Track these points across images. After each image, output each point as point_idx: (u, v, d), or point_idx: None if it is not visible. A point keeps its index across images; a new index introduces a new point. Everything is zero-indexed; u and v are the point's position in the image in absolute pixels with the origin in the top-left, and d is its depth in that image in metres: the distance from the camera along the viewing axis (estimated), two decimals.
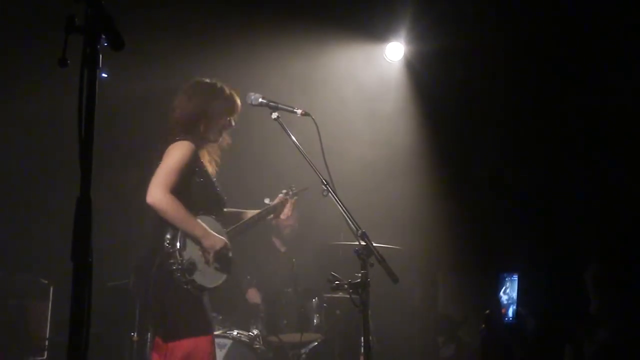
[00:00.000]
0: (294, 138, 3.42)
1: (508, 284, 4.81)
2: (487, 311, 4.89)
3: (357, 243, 3.08)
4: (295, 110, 3.49)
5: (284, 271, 5.62)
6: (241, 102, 3.79)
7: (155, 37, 5.50)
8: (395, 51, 6.49)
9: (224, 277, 3.67)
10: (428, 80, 6.52)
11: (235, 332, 4.93)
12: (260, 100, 3.53)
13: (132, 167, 5.97)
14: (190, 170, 3.59)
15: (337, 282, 3.12)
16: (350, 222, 3.11)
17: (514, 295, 4.69)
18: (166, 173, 3.47)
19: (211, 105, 3.72)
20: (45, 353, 5.45)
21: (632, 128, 5.47)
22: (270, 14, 5.70)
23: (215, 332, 4.78)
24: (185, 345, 3.43)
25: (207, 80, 3.82)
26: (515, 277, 4.80)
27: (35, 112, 5.56)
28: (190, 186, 3.59)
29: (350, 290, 3.07)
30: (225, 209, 3.89)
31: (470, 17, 5.83)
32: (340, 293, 4.68)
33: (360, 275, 3.06)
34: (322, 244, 5.82)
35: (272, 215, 4.17)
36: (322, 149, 3.37)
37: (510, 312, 4.71)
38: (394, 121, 6.49)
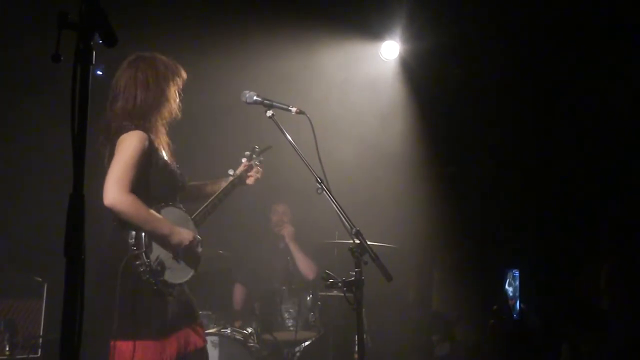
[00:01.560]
0: (288, 136, 3.41)
1: (511, 278, 4.83)
2: (495, 307, 4.89)
3: (352, 241, 3.08)
4: (289, 108, 3.48)
5: (279, 269, 5.63)
6: (235, 99, 3.66)
7: (148, 35, 5.49)
8: (390, 50, 6.49)
9: (192, 272, 3.48)
10: (423, 79, 6.53)
11: (229, 330, 4.92)
12: (254, 98, 3.52)
13: None
14: (147, 162, 3.31)
15: (331, 281, 3.12)
16: (344, 221, 3.11)
17: (517, 289, 4.72)
18: (122, 170, 3.18)
19: (167, 87, 3.48)
20: (39, 351, 5.44)
21: (633, 125, 5.48)
22: (265, 12, 5.70)
23: (209, 330, 4.78)
24: (125, 347, 3.22)
25: (148, 55, 3.54)
26: (517, 273, 4.82)
27: (28, 109, 5.55)
28: (149, 179, 3.33)
29: (345, 289, 3.07)
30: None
31: (466, 16, 5.83)
32: (335, 291, 4.70)
33: (354, 273, 3.07)
34: (316, 242, 5.82)
35: (237, 186, 3.89)
36: (316, 147, 3.36)
37: (517, 305, 4.73)
38: (389, 119, 6.50)
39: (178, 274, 3.40)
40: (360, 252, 3.05)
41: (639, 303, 4.27)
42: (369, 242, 3.08)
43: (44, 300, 5.52)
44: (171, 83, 3.52)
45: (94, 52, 1.71)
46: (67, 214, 1.66)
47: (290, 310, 5.07)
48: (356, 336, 3.18)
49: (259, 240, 6.01)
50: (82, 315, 1.66)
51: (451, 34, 5.99)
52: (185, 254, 3.43)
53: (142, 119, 3.36)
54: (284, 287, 5.19)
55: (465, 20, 5.87)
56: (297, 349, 5.18)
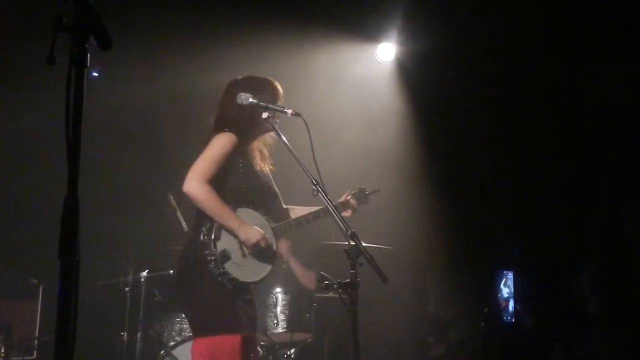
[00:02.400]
0: (284, 138, 3.43)
1: (505, 279, 4.83)
2: (486, 309, 4.90)
3: (347, 243, 3.09)
4: (285, 110, 3.49)
5: (275, 271, 5.62)
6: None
7: (141, 37, 5.50)
8: (386, 52, 6.50)
9: (263, 274, 3.62)
10: (419, 81, 6.54)
11: None
12: (250, 100, 3.53)
13: (123, 167, 5.99)
14: (231, 162, 3.57)
15: (327, 282, 3.12)
16: (340, 222, 3.12)
17: (511, 290, 4.72)
18: (204, 163, 3.47)
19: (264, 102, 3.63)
20: (35, 352, 5.43)
21: (626, 127, 5.50)
22: (262, 14, 5.70)
23: None
24: (207, 342, 3.41)
25: (240, 78, 3.81)
26: (511, 275, 4.83)
27: (22, 111, 5.55)
28: (231, 178, 3.58)
29: (340, 290, 3.07)
30: (283, 205, 3.92)
31: (461, 18, 5.85)
32: (331, 293, 4.69)
33: (350, 275, 3.07)
34: (312, 243, 5.82)
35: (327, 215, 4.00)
36: (312, 149, 3.37)
37: (510, 306, 4.73)
38: (385, 121, 6.50)
39: (244, 272, 3.52)
40: (355, 254, 3.05)
41: (625, 304, 4.28)
42: (364, 244, 3.08)
43: (40, 302, 5.52)
44: (267, 100, 3.65)
45: (89, 54, 1.72)
46: (61, 215, 1.67)
47: (286, 311, 5.07)
48: (352, 337, 3.18)
49: None
50: (77, 316, 1.66)
51: (447, 36, 6.01)
52: (255, 254, 3.56)
53: (236, 126, 3.59)
54: (279, 289, 5.18)
55: (461, 22, 5.89)
56: (293, 350, 5.18)
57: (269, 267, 3.66)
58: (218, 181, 3.50)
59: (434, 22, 5.98)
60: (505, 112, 6.25)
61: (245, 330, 3.54)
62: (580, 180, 5.79)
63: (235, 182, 3.58)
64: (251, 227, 3.54)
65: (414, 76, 6.54)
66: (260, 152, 3.79)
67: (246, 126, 3.65)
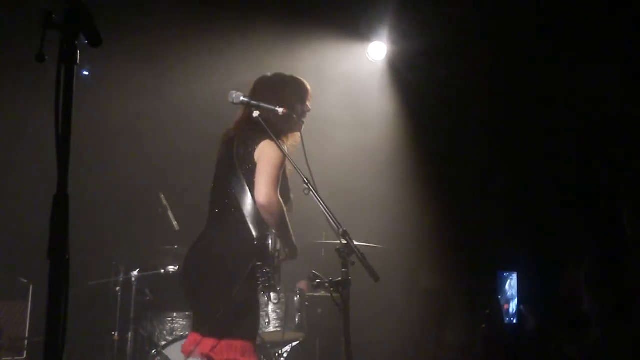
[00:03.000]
0: (274, 138, 3.42)
1: (509, 280, 4.84)
2: (487, 311, 4.91)
3: (339, 242, 3.08)
4: (276, 109, 3.48)
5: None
6: (223, 99, 3.67)
7: (134, 38, 5.49)
8: (378, 51, 6.50)
9: (280, 280, 3.66)
10: (411, 80, 6.54)
11: None
12: (241, 98, 3.51)
13: (115, 166, 5.97)
14: (281, 173, 3.51)
15: (318, 281, 3.12)
16: (331, 221, 3.11)
17: (515, 292, 4.73)
18: (274, 174, 3.39)
19: (290, 101, 3.63)
20: (25, 353, 5.41)
21: (625, 127, 5.51)
22: (252, 13, 5.69)
23: None
24: (238, 345, 3.40)
25: (269, 77, 3.75)
26: (514, 276, 4.84)
27: (11, 108, 5.51)
28: (281, 188, 3.52)
29: (332, 289, 3.07)
30: None
31: (453, 17, 5.85)
32: (322, 292, 4.69)
33: (341, 273, 3.07)
34: (303, 242, 5.81)
35: None
36: (303, 147, 3.38)
37: (512, 308, 4.74)
38: (377, 120, 6.51)
39: (273, 286, 3.53)
40: (347, 253, 3.05)
41: (619, 303, 4.30)
42: (355, 243, 3.08)
43: (30, 302, 5.49)
44: (293, 103, 3.64)
45: (79, 52, 1.71)
46: (51, 214, 1.66)
47: (278, 310, 5.06)
48: (343, 336, 3.18)
49: None
50: (67, 316, 1.65)
51: (438, 35, 6.01)
52: (280, 266, 3.60)
53: (266, 131, 3.45)
54: (271, 291, 5.17)
55: (453, 21, 5.89)
56: (284, 349, 5.17)
57: (280, 278, 3.69)
58: None
59: (425, 21, 5.98)
60: (500, 111, 6.26)
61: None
62: (580, 180, 5.80)
63: (282, 194, 3.51)
64: (296, 245, 3.63)
65: (406, 75, 6.54)
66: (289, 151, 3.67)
67: (284, 129, 3.61)
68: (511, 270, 4.92)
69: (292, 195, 4.05)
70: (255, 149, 3.46)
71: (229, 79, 5.30)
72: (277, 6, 5.79)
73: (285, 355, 5.15)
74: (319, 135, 5.33)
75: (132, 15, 5.50)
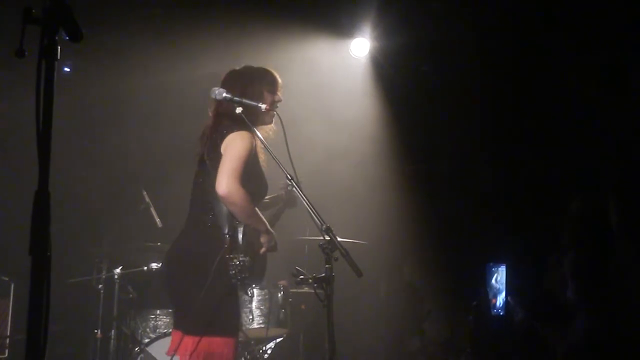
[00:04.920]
0: (258, 133, 3.42)
1: (497, 273, 4.86)
2: (475, 303, 4.93)
3: (322, 238, 3.09)
4: (259, 105, 3.48)
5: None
6: (204, 95, 3.69)
7: (116, 30, 5.46)
8: (360, 47, 6.50)
9: (263, 274, 3.65)
10: (393, 76, 6.55)
11: None
12: (224, 95, 3.50)
13: (96, 162, 5.94)
14: (251, 162, 3.49)
15: (301, 277, 3.12)
16: (314, 217, 3.12)
17: (503, 284, 4.76)
18: (236, 164, 3.36)
19: (261, 92, 3.63)
20: (7, 351, 5.37)
21: (611, 120, 5.55)
22: (236, 10, 5.67)
23: None
24: (218, 342, 3.39)
25: (237, 70, 3.75)
26: (502, 268, 4.86)
27: None
28: (249, 179, 3.48)
29: (315, 285, 3.08)
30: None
31: (436, 13, 5.86)
32: (306, 288, 4.69)
33: (325, 269, 3.08)
34: (287, 238, 5.82)
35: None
36: (286, 143, 3.37)
37: (500, 301, 4.77)
38: (359, 116, 6.51)
39: (254, 275, 3.53)
40: (330, 249, 3.06)
41: (603, 294, 4.34)
42: (339, 239, 3.09)
43: (11, 300, 5.45)
44: (260, 92, 3.63)
45: (60, 48, 1.69)
46: (32, 211, 1.65)
47: (261, 307, 5.07)
48: (327, 332, 3.19)
49: None
50: (49, 314, 1.65)
51: (421, 32, 6.02)
52: (263, 256, 3.59)
53: (236, 122, 3.48)
54: (253, 285, 5.17)
55: (436, 17, 5.90)
56: (268, 345, 5.18)
57: (264, 269, 3.68)
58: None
59: (408, 17, 5.99)
60: (484, 106, 6.28)
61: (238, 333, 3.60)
62: (564, 171, 5.84)
63: (250, 183, 3.48)
64: (272, 231, 3.59)
65: (389, 71, 6.55)
66: (258, 142, 3.65)
67: (253, 122, 3.56)
68: (499, 262, 4.95)
69: (285, 191, 4.07)
70: (222, 142, 3.47)
71: (211, 73, 5.28)
72: (260, 1, 5.78)
73: (269, 351, 5.16)
74: (301, 130, 5.34)
75: (112, 9, 5.47)
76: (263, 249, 3.58)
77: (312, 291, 3.10)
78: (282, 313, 5.12)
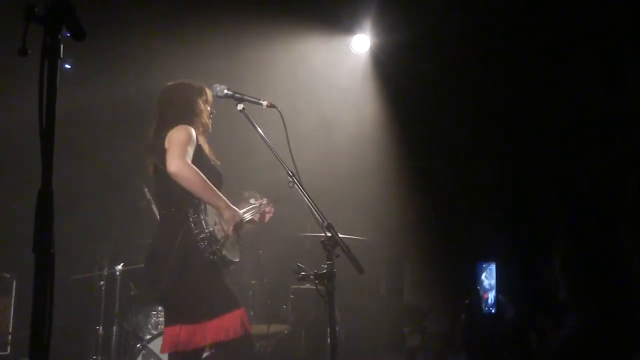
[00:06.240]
0: (259, 130, 3.42)
1: (487, 271, 4.86)
2: (467, 301, 4.93)
3: (323, 234, 3.09)
4: (261, 101, 3.48)
5: (251, 263, 5.62)
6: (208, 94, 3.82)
7: (117, 31, 5.46)
8: (361, 43, 6.50)
9: (239, 253, 3.68)
10: (394, 72, 6.55)
11: None
12: (225, 91, 3.52)
13: (98, 160, 5.94)
14: (196, 150, 3.57)
15: (303, 273, 3.13)
16: (316, 214, 3.12)
17: (493, 282, 4.76)
18: (182, 146, 3.45)
19: (196, 102, 3.75)
20: (9, 348, 5.38)
21: (603, 120, 5.55)
22: (236, 6, 5.67)
23: None
24: (219, 324, 3.42)
25: (171, 85, 3.86)
26: (492, 266, 4.86)
27: None
28: (197, 166, 3.54)
29: (317, 281, 3.08)
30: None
31: (436, 9, 5.86)
32: (307, 284, 4.71)
33: (326, 266, 3.08)
34: (288, 235, 5.83)
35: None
36: (287, 140, 3.37)
37: (491, 298, 4.77)
38: (360, 112, 6.51)
39: (229, 252, 3.57)
40: (331, 245, 3.06)
41: (595, 291, 4.34)
42: (340, 235, 3.09)
43: (13, 297, 5.46)
44: (195, 100, 3.77)
45: (62, 46, 1.69)
46: (35, 209, 1.65)
47: (263, 303, 5.08)
48: (328, 328, 3.20)
49: None
50: (52, 311, 1.65)
51: (422, 28, 6.01)
52: (234, 230, 3.64)
53: (185, 119, 3.63)
54: (254, 281, 5.19)
55: (436, 13, 5.89)
56: (270, 341, 5.19)
57: (239, 248, 3.72)
58: None
59: (408, 14, 5.98)
60: (483, 104, 6.28)
61: (237, 305, 3.58)
62: (556, 169, 5.84)
63: (203, 172, 3.54)
64: (233, 207, 3.62)
65: (389, 68, 6.54)
66: (205, 141, 3.80)
67: (193, 118, 3.70)
68: (490, 260, 4.95)
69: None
70: (164, 138, 3.56)
71: (210, 70, 5.28)
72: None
73: (271, 348, 5.17)
74: (300, 126, 5.34)
75: (113, 8, 5.47)
76: (230, 226, 3.61)
77: (314, 287, 3.11)
78: (284, 309, 5.14)
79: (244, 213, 3.91)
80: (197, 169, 3.46)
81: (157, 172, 3.64)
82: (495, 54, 6.03)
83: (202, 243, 3.44)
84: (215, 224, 3.55)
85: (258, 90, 3.80)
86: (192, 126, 3.64)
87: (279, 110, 3.45)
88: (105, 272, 5.23)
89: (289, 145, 3.35)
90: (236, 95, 3.50)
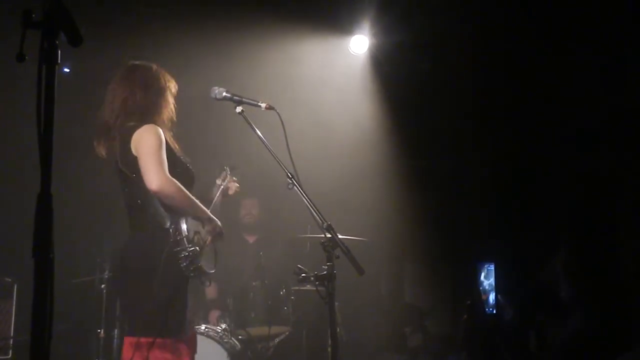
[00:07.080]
0: (258, 132, 3.41)
1: (486, 272, 4.88)
2: (469, 302, 4.94)
3: (323, 235, 3.10)
4: (259, 104, 3.47)
5: (251, 264, 5.62)
6: (206, 96, 3.63)
7: (118, 33, 5.46)
8: (360, 44, 6.50)
9: (214, 262, 3.57)
10: (393, 73, 6.55)
11: (203, 327, 4.92)
12: (224, 94, 3.51)
13: (98, 163, 5.93)
14: (168, 152, 3.40)
15: (303, 275, 3.13)
16: (315, 215, 3.12)
17: (492, 282, 4.78)
18: (158, 158, 3.28)
19: (169, 93, 3.59)
20: (10, 352, 5.39)
21: (603, 120, 5.55)
22: (234, 7, 5.67)
23: None
24: (168, 344, 3.28)
25: (142, 64, 3.62)
26: (492, 267, 4.87)
27: None
28: (170, 169, 3.37)
29: (317, 283, 3.09)
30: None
31: (436, 9, 5.86)
32: (308, 285, 4.70)
33: (326, 267, 3.09)
34: (288, 236, 5.83)
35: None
36: (286, 142, 3.36)
37: (491, 298, 4.79)
38: (358, 113, 6.52)
39: (207, 263, 3.46)
40: (331, 246, 3.07)
41: (597, 290, 4.35)
42: (340, 236, 3.10)
43: (14, 301, 5.47)
44: (167, 89, 3.59)
45: (60, 51, 1.70)
46: (35, 213, 1.66)
47: (264, 305, 5.08)
48: (329, 329, 3.20)
49: (228, 236, 6.00)
50: (53, 315, 1.66)
51: (420, 29, 6.02)
52: (212, 241, 3.53)
53: (144, 119, 3.42)
54: (255, 283, 5.18)
55: (435, 14, 5.90)
56: (271, 343, 5.19)
57: (215, 258, 3.61)
58: None
59: (407, 14, 5.98)
60: (480, 104, 6.29)
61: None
62: (556, 170, 5.85)
63: (177, 175, 3.39)
64: (214, 217, 3.51)
65: (388, 68, 6.55)
66: (169, 135, 3.57)
67: (163, 110, 3.53)
68: (490, 261, 4.96)
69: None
70: (130, 143, 3.37)
71: (208, 73, 5.28)
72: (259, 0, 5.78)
73: (272, 349, 5.17)
74: (299, 129, 5.34)
75: (112, 12, 5.47)
76: (209, 238, 3.49)
77: (314, 289, 3.12)
78: (284, 311, 5.13)
79: (216, 200, 3.81)
80: (178, 184, 3.30)
81: (126, 180, 3.45)
82: (494, 54, 6.04)
83: (183, 262, 3.27)
84: (195, 234, 3.40)
85: (256, 92, 3.80)
86: (159, 122, 3.46)
87: (277, 112, 3.45)
88: (106, 275, 5.23)
89: (288, 147, 3.35)
90: (235, 97, 3.49)
